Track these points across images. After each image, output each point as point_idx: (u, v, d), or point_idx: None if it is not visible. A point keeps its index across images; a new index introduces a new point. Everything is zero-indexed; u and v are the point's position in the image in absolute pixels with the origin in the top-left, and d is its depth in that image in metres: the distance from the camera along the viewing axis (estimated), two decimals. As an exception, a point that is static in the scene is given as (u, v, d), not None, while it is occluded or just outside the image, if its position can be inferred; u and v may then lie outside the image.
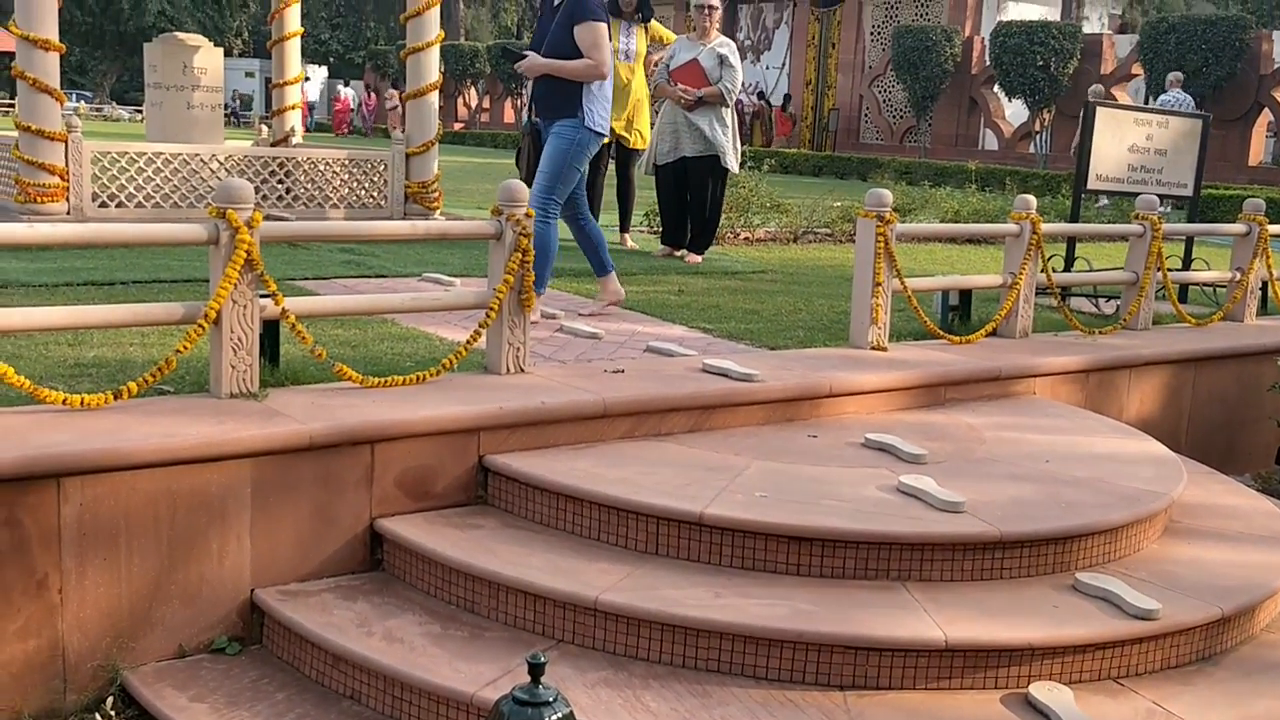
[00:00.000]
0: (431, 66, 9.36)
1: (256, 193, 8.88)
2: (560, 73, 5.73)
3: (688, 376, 4.69)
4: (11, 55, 7.97)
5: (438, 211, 9.59)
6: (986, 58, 25.62)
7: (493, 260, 4.50)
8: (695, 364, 4.93)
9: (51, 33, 7.69)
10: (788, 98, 29.71)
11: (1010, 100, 25.28)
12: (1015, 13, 27.76)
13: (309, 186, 9.28)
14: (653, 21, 8.82)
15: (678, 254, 8.50)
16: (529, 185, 5.59)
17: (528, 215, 4.45)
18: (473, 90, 39.13)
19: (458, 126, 36.76)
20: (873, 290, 5.52)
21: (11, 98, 39.84)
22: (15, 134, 8.35)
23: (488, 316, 4.43)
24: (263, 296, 4.01)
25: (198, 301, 3.96)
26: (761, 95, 30.58)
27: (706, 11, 8.30)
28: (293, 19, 10.93)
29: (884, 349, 5.55)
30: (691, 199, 8.39)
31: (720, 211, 8.66)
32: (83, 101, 40.94)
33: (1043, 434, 4.87)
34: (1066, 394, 5.72)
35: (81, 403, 3.70)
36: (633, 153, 8.84)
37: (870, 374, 5.04)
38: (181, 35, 9.54)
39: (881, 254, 5.48)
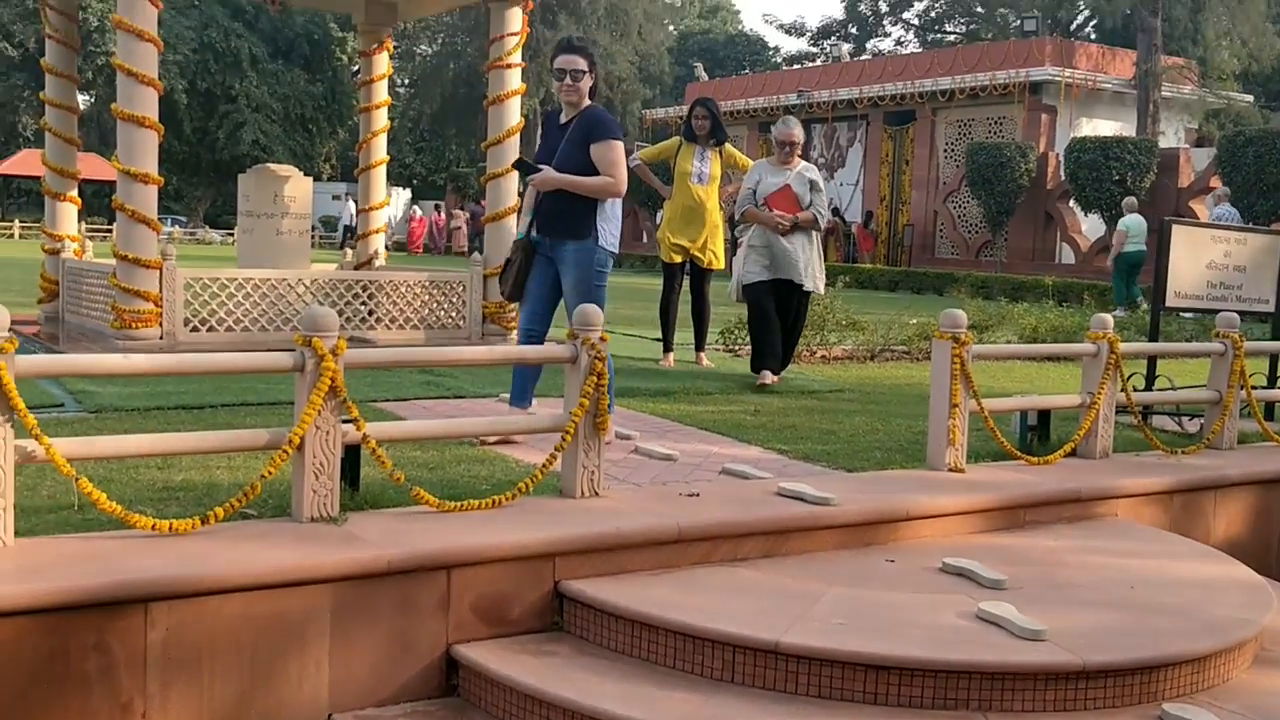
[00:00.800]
0: (510, 191, 9.62)
1: (340, 314, 9.14)
2: (578, 188, 5.66)
3: (763, 500, 4.69)
4: (104, 184, 8.35)
5: (514, 332, 9.76)
6: (1061, 173, 25.65)
7: (568, 384, 4.58)
8: (771, 487, 4.92)
9: (151, 167, 8.07)
10: (870, 215, 29.90)
11: (1086, 215, 25.21)
12: (1089, 128, 27.81)
13: (390, 308, 9.51)
14: (726, 145, 8.97)
15: (774, 379, 8.10)
16: (513, 300, 5.93)
17: (602, 339, 4.53)
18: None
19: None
20: (949, 412, 5.49)
21: (108, 223, 41.56)
22: (113, 262, 8.74)
23: (563, 440, 4.48)
24: (345, 421, 4.11)
25: (282, 428, 4.08)
26: (836, 211, 30.84)
27: (790, 148, 8.24)
28: (379, 147, 11.36)
29: (961, 470, 5.50)
30: (790, 321, 8.27)
31: (801, 333, 8.63)
32: (177, 226, 42.53)
33: (1126, 558, 4.77)
34: (1150, 516, 5.60)
35: (170, 528, 3.80)
36: (706, 273, 8.92)
37: (948, 497, 4.99)
38: (273, 166, 9.94)
39: (958, 375, 5.47)
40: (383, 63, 11.40)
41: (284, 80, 51.07)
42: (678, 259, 8.89)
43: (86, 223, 43.38)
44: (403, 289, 9.67)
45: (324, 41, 53.16)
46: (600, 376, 4.48)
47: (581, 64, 5.68)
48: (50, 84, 9.99)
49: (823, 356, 10.30)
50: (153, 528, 3.78)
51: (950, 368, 5.46)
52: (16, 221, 44.33)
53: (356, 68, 60.87)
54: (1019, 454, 5.79)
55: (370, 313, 9.44)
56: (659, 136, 43.41)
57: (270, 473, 3.96)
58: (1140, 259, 18.18)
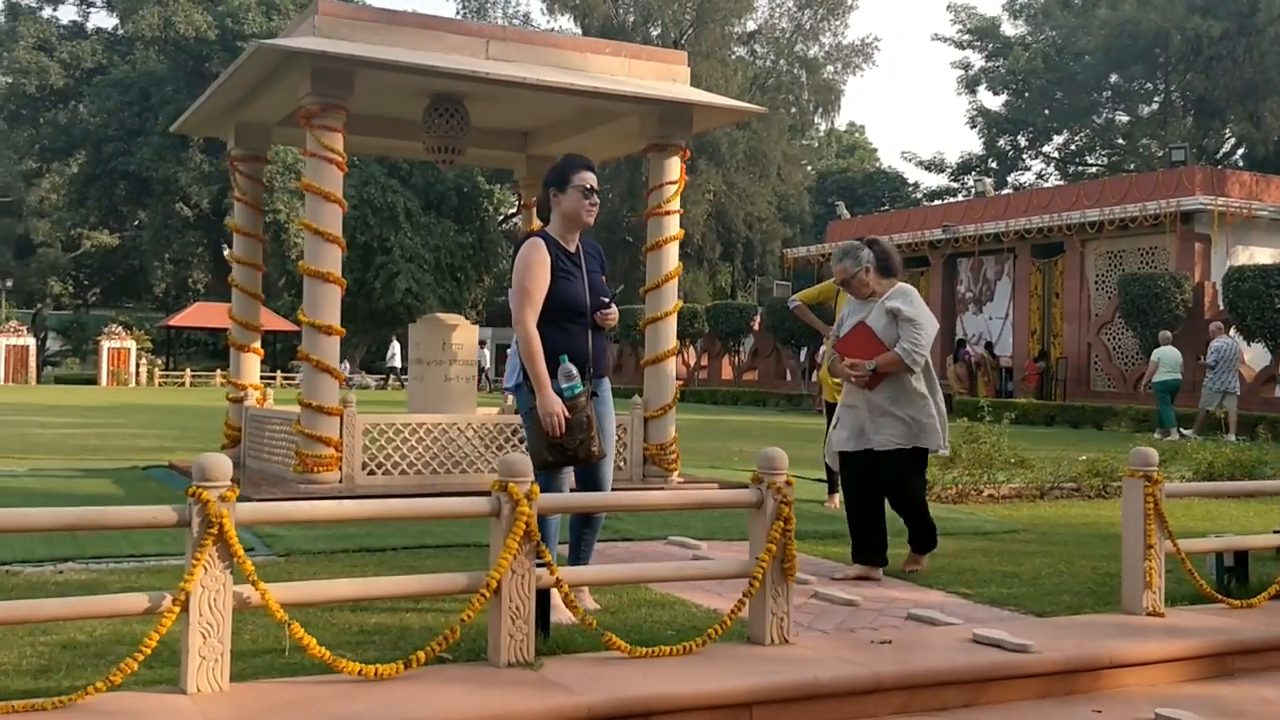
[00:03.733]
0: (670, 334, 9.76)
1: (500, 454, 9.33)
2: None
3: (959, 647, 4.55)
4: (275, 334, 8.71)
5: (676, 473, 9.79)
6: (1220, 302, 24.87)
7: (753, 528, 4.56)
8: (963, 633, 4.78)
9: (334, 319, 8.47)
10: (1045, 353, 29.34)
11: (1250, 344, 24.31)
12: (1245, 256, 27.02)
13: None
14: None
15: (874, 576, 6.18)
16: (587, 465, 4.97)
17: (788, 483, 4.52)
18: (691, 349, 40.00)
19: (723, 383, 37.42)
20: (1144, 553, 5.29)
21: (273, 369, 43.38)
22: (292, 409, 9.12)
23: (751, 586, 4.45)
24: (538, 565, 4.16)
25: (479, 572, 4.15)
26: (989, 346, 30.39)
27: (851, 285, 6.45)
28: (539, 294, 11.68)
29: (1160, 614, 5.26)
30: (890, 495, 6.35)
31: (926, 501, 6.53)
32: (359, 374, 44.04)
33: (1355, 713, 4.46)
34: (1373, 666, 5.24)
35: (375, 673, 3.87)
36: None
37: (1151, 643, 4.77)
38: (442, 315, 10.30)
39: (1152, 515, 5.28)
40: (543, 213, 11.79)
41: (435, 231, 53.18)
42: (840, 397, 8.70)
43: (222, 373, 45.59)
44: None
45: (472, 194, 55.36)
46: (787, 521, 4.46)
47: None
48: (238, 243, 10.62)
49: (990, 495, 10.05)
50: (359, 672, 3.86)
51: (1144, 507, 5.28)
52: (188, 370, 46.61)
53: (502, 217, 63.36)
54: (1219, 596, 5.52)
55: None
56: (800, 275, 43.68)
57: (469, 617, 4.02)
58: (1176, 386, 20.10)
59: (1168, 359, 19.92)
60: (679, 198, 9.69)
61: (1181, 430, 18.92)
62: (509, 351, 5.31)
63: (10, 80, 51.26)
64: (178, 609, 3.64)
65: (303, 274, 8.54)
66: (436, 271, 53.49)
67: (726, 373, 38.83)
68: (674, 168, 9.55)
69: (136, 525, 3.93)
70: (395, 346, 42.20)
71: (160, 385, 43.64)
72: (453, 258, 54.42)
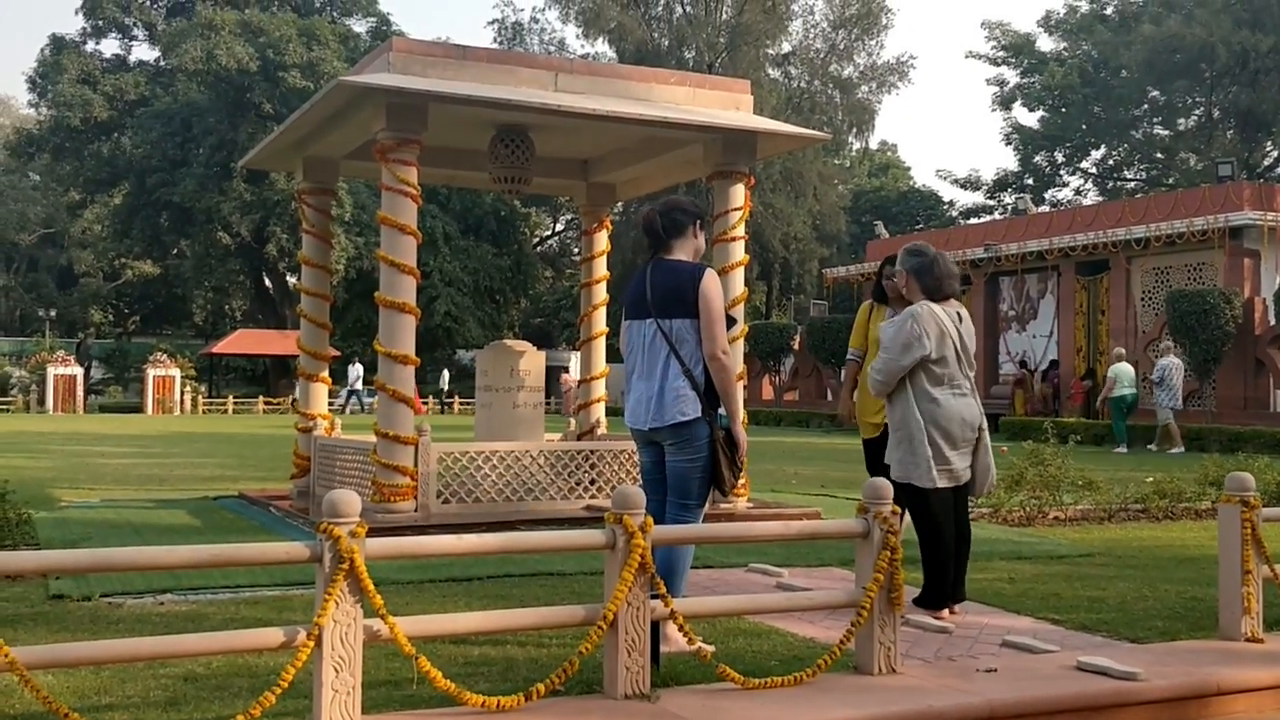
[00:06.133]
0: (739, 358, 9.79)
1: (568, 482, 9.40)
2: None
3: (1064, 675, 4.57)
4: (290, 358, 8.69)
5: (745, 499, 9.81)
6: (1271, 318, 24.68)
7: (860, 558, 4.60)
8: (1065, 660, 4.80)
9: (409, 348, 8.58)
10: (1092, 371, 29.12)
11: (1304, 358, 24.08)
12: (1296, 269, 26.82)
13: (611, 477, 9.67)
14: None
15: (943, 615, 5.80)
16: (725, 491, 5.09)
17: (894, 512, 4.56)
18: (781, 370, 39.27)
19: (764, 404, 37.17)
20: (1242, 578, 5.28)
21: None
22: (365, 438, 9.23)
23: (859, 616, 4.49)
24: (652, 597, 4.22)
25: (595, 604, 4.21)
26: (1023, 364, 30.22)
27: (893, 288, 6.42)
28: (599, 320, 11.80)
29: (1260, 640, 5.26)
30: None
31: (936, 547, 5.82)
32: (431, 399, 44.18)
33: None
34: None
35: (498, 705, 3.94)
36: None
37: (1258, 670, 4.78)
38: (509, 341, 10.40)
39: (1249, 540, 5.28)
40: (602, 240, 11.91)
41: (474, 255, 53.55)
42: (877, 435, 7.27)
43: (265, 401, 46.03)
44: (623, 458, 9.85)
45: (510, 218, 55.73)
46: (894, 551, 4.50)
47: None
48: (306, 274, 10.77)
49: (1056, 518, 10.03)
50: (482, 704, 3.93)
51: (1240, 532, 5.28)
52: (230, 397, 47.02)
53: (537, 240, 63.72)
54: (1317, 622, 5.51)
55: (592, 481, 9.63)
56: (839, 294, 43.63)
57: (587, 649, 4.08)
58: (1133, 401, 21.67)
59: (1124, 375, 21.49)
60: (743, 224, 9.76)
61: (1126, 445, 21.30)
62: (676, 383, 4.92)
63: (54, 113, 51.98)
64: (312, 643, 3.72)
65: (379, 304, 8.66)
66: (475, 294, 53.85)
67: (767, 393, 38.77)
68: (739, 194, 9.63)
69: (270, 562, 4.02)
70: (357, 369, 41.93)
71: (204, 412, 44.04)
72: (491, 280, 54.79)
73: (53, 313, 59.16)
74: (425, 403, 44.32)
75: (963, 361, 5.84)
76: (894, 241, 37.00)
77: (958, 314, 5.90)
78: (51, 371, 43.34)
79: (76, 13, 55.88)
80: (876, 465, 7.49)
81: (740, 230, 9.68)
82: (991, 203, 57.14)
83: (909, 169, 72.90)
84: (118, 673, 4.49)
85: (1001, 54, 54.29)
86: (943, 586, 5.78)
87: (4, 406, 44.97)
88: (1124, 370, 21.67)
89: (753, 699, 4.16)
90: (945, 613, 5.78)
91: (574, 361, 46.35)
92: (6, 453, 18.14)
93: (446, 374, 46.42)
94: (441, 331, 50.10)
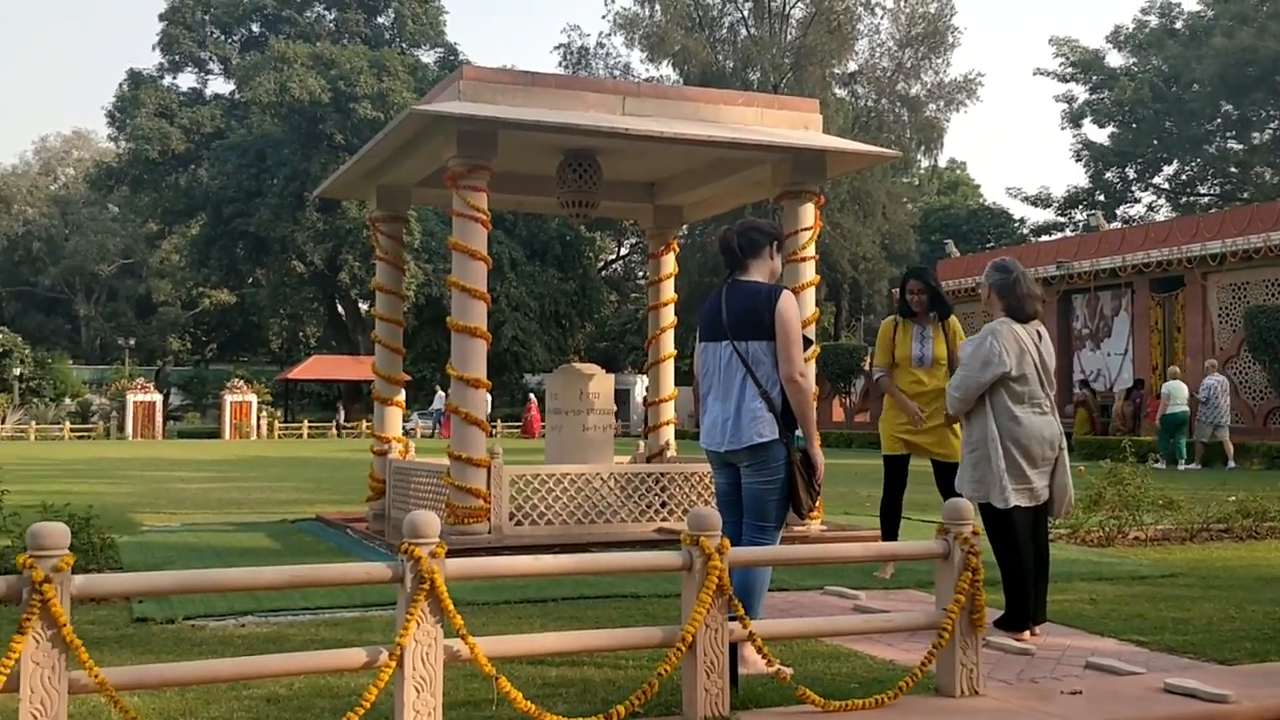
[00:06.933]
0: (811, 379, 9.76)
1: (639, 504, 9.40)
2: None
3: (1152, 698, 4.48)
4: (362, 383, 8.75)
5: (818, 521, 9.74)
6: (1355, 332, 24.04)
7: (940, 580, 4.55)
8: (1152, 682, 4.70)
9: (481, 373, 8.66)
10: (1140, 382, 28.67)
11: (1389, 374, 23.44)
12: (1380, 283, 26.13)
13: (683, 499, 9.65)
14: (951, 319, 7.65)
15: (1024, 637, 5.68)
16: (803, 513, 5.04)
17: (974, 533, 4.51)
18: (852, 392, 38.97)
19: (833, 425, 36.89)
20: (1335, 600, 5.14)
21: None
22: (438, 461, 9.33)
23: (940, 638, 4.43)
24: (730, 619, 4.20)
25: (672, 626, 4.20)
26: (1085, 384, 29.73)
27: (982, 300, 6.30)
28: (667, 343, 11.82)
29: (1355, 664, 5.11)
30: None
31: (1016, 567, 5.73)
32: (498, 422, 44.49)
33: None
34: None
35: (578, 725, 3.94)
36: (948, 466, 7.16)
37: (1355, 694, 4.63)
38: (578, 365, 10.46)
39: (1342, 561, 5.13)
40: (669, 263, 11.94)
41: (540, 280, 53.98)
42: (900, 450, 7.60)
43: (338, 425, 46.56)
44: (694, 480, 9.83)
45: (575, 242, 56.09)
46: (975, 572, 4.44)
47: None
48: (380, 300, 10.93)
49: (1137, 538, 9.83)
50: (563, 726, 3.93)
51: (1333, 553, 5.13)
52: (305, 422, 47.72)
53: (602, 264, 64.06)
54: None
55: (663, 505, 9.62)
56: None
57: (666, 671, 4.08)
58: (1184, 419, 21.27)
59: (1177, 393, 21.35)
60: (813, 243, 9.73)
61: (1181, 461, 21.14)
62: (752, 404, 4.87)
63: (133, 146, 53.39)
64: (393, 664, 3.76)
65: (451, 329, 8.75)
66: (541, 319, 54.25)
67: (837, 414, 38.52)
68: (808, 214, 9.61)
69: (351, 582, 4.07)
70: (441, 394, 42.57)
71: (279, 437, 44.74)
72: (557, 305, 55.19)
73: (132, 341, 60.63)
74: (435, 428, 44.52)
75: (1043, 380, 5.79)
76: (965, 260, 36.64)
77: (1037, 332, 5.88)
78: (131, 398, 44.40)
79: (154, 48, 57.58)
80: (897, 482, 7.64)
81: (810, 250, 9.66)
82: (1063, 220, 56.42)
83: (978, 186, 72.33)
84: (202, 694, 4.56)
85: (1070, 70, 53.65)
86: (1024, 608, 5.71)
87: (85, 433, 46.13)
88: (1177, 388, 21.58)
89: (832, 721, 4.12)
90: (1027, 634, 5.70)
91: (638, 384, 46.53)
92: (89, 479, 18.57)
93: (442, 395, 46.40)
94: (509, 356, 50.48)
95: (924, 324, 7.52)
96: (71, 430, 45.66)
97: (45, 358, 53.04)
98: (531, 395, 42.26)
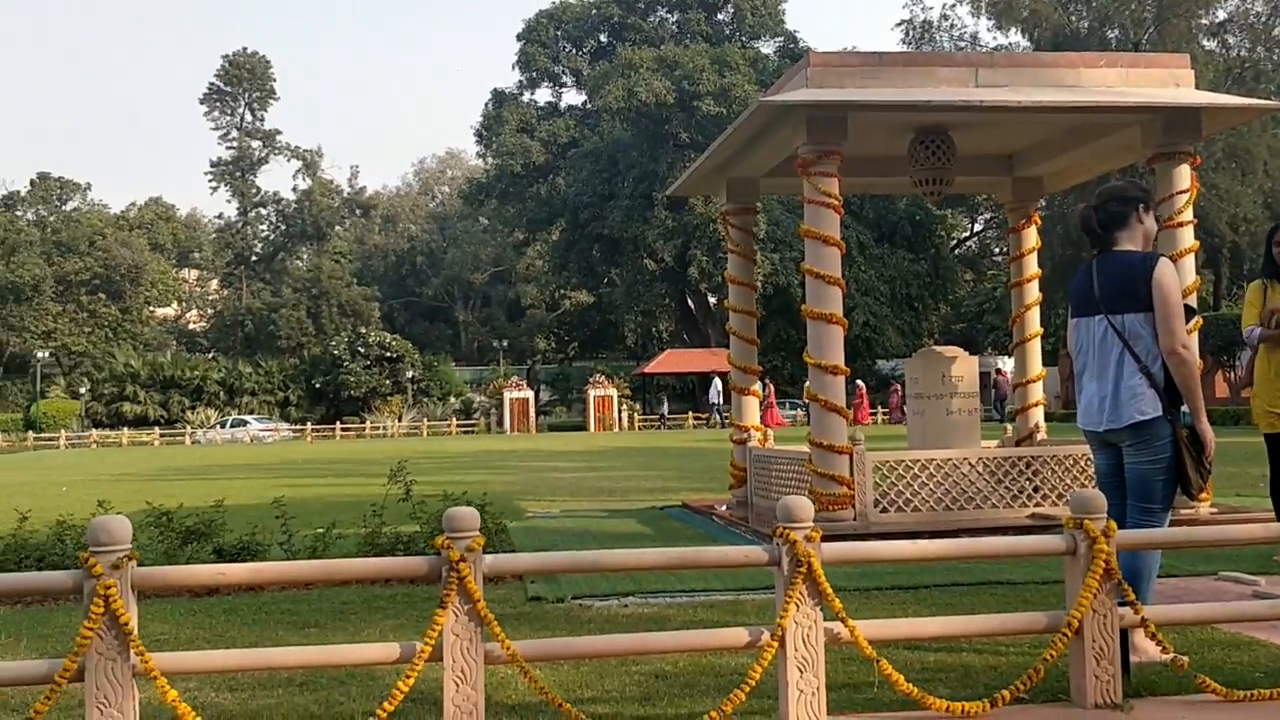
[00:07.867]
0: (1195, 352, 9.10)
1: (1010, 490, 9.08)
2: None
3: None
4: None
5: (1207, 503, 9.08)
6: None
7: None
8: None
9: (838, 359, 8.67)
10: None
11: None
12: None
13: (1056, 483, 9.22)
14: None
15: None
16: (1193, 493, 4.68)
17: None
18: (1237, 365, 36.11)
19: (1218, 402, 34.39)
20: None
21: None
22: (800, 448, 9.41)
23: (1364, 626, 4.05)
24: (1120, 604, 4.02)
25: (1057, 611, 4.07)
26: None
27: None
28: (1032, 321, 11.33)
29: None
30: None
31: None
32: (799, 409, 44.97)
33: None
34: None
35: (961, 710, 3.90)
36: None
37: None
38: (939, 348, 10.26)
39: None
40: (1031, 237, 11.46)
41: (889, 262, 53.18)
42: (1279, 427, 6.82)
43: (694, 415, 47.67)
44: (1067, 463, 9.38)
45: (925, 222, 54.85)
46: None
47: None
48: (733, 292, 11.16)
49: None
50: (946, 709, 3.90)
51: None
52: (662, 413, 49.29)
53: (954, 243, 62.16)
54: None
55: (1035, 489, 9.24)
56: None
57: (1052, 657, 3.96)
58: None
59: None
60: (1190, 207, 9.07)
61: None
62: (1131, 381, 4.65)
63: (499, 162, 57.16)
64: (775, 644, 3.86)
65: (806, 317, 8.81)
66: (892, 302, 53.41)
67: (1221, 390, 35.64)
68: (1184, 176, 8.96)
69: (729, 565, 4.22)
70: (717, 383, 42.47)
71: (639, 429, 46.53)
72: (908, 287, 54.15)
73: (505, 343, 65.12)
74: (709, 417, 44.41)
75: None
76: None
77: None
78: (507, 396, 47.75)
79: (513, 68, 61.27)
80: None
81: (1188, 214, 9.01)
82: None
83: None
84: (595, 668, 4.86)
85: None
86: None
87: (469, 428, 49.98)
88: None
89: (1235, 712, 3.88)
90: None
91: (1006, 365, 44.86)
92: (475, 470, 20.11)
93: (719, 383, 45.95)
94: (861, 342, 50.02)
95: None
96: (458, 426, 49.66)
97: (432, 361, 58.15)
98: (859, 383, 41.64)
